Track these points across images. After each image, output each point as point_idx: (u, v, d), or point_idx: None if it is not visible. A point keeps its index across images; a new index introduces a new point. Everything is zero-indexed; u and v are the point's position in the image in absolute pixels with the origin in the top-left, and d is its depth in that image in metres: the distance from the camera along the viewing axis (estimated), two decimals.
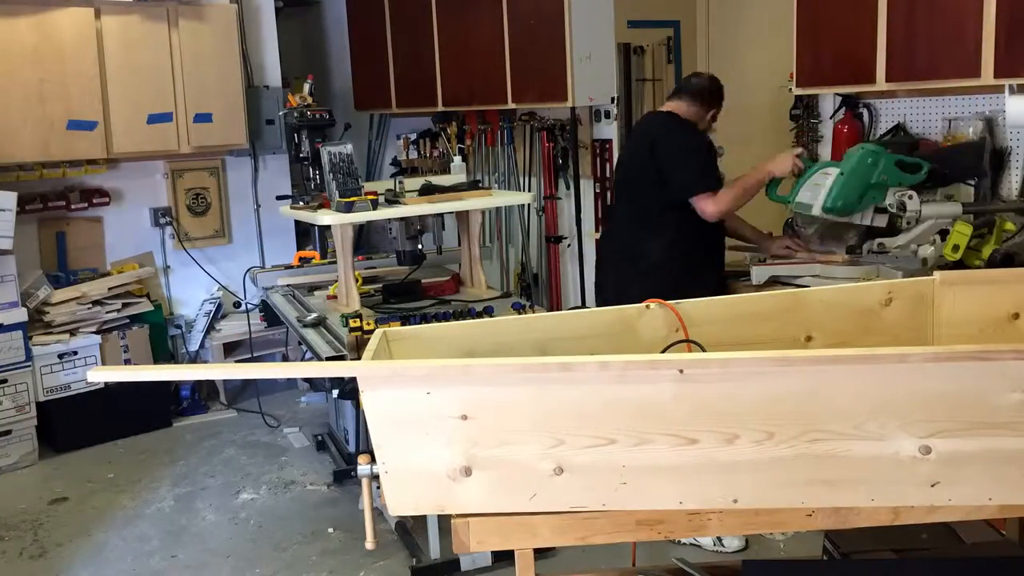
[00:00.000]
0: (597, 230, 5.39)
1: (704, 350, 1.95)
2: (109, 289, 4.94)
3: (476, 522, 1.66)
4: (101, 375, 1.61)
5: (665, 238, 3.42)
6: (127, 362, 4.92)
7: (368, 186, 3.75)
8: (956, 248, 3.20)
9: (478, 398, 1.59)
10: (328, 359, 3.18)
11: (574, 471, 1.60)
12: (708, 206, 3.31)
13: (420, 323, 3.23)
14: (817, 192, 3.25)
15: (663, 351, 1.98)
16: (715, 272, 3.55)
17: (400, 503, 1.67)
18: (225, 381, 5.43)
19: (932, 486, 1.61)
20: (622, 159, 3.83)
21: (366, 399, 1.60)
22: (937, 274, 2.23)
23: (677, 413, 1.57)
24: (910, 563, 2.14)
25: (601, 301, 3.65)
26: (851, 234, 3.41)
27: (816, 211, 3.25)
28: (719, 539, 3.32)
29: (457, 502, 1.65)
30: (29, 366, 4.57)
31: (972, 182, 3.53)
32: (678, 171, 3.37)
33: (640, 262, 3.45)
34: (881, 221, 3.30)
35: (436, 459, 1.61)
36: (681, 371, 1.55)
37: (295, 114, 4.29)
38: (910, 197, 3.21)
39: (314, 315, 3.63)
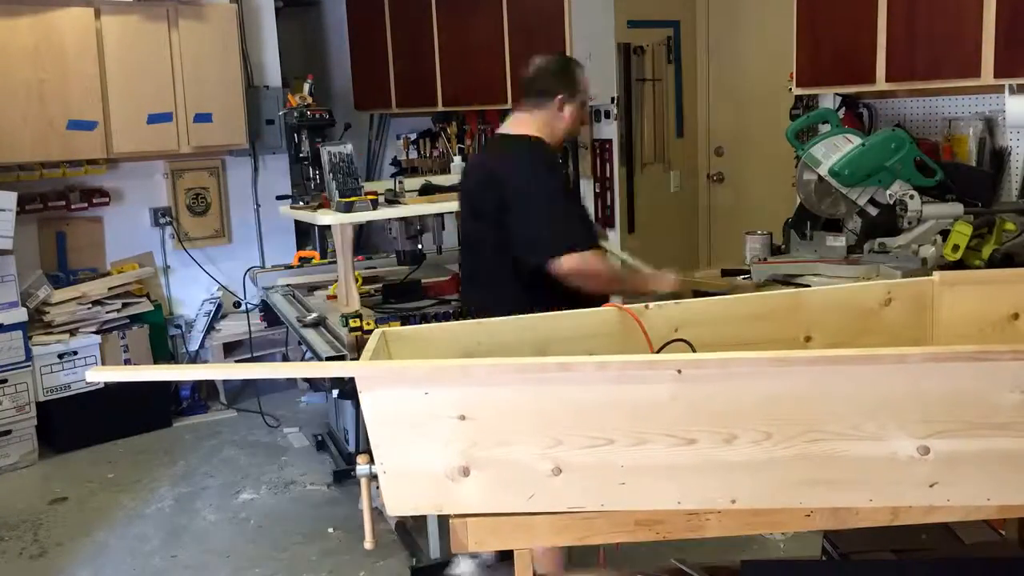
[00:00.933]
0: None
1: (694, 350, 1.94)
2: (109, 289, 4.94)
3: (474, 522, 1.66)
4: (100, 375, 1.61)
5: (520, 290, 2.74)
6: (127, 362, 4.92)
7: (368, 186, 3.76)
8: (956, 248, 3.20)
9: (476, 398, 1.59)
10: (328, 359, 3.17)
11: (572, 471, 1.60)
12: (563, 266, 2.63)
13: (420, 323, 3.23)
14: (831, 152, 3.26)
15: (657, 351, 1.98)
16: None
17: (398, 503, 1.67)
18: (225, 381, 5.43)
19: (931, 486, 1.61)
20: (464, 199, 3.07)
21: (364, 399, 1.60)
22: (936, 274, 2.23)
23: (675, 413, 1.57)
24: (909, 564, 2.14)
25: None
26: (838, 209, 3.39)
27: (823, 170, 3.26)
28: None
29: (455, 502, 1.65)
30: (29, 366, 4.57)
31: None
32: (534, 230, 2.68)
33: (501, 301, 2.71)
34: (872, 210, 3.30)
35: (434, 459, 1.61)
36: (679, 371, 1.55)
37: (295, 114, 4.30)
38: (911, 197, 3.21)
39: (314, 315, 3.63)
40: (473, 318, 2.49)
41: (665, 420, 1.57)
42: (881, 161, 3.21)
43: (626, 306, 2.06)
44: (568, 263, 2.62)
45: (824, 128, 3.53)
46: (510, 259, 2.72)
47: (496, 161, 2.88)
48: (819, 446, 1.58)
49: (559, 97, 2.78)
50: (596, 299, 2.47)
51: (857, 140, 3.27)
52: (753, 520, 1.67)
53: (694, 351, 1.94)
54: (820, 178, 3.29)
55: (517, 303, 2.39)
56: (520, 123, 2.84)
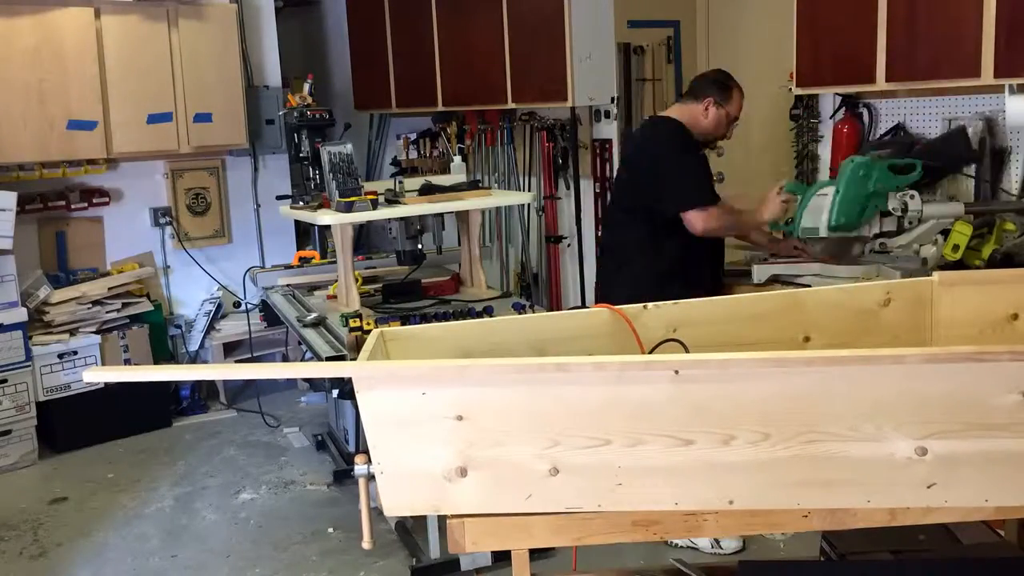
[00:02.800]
0: (597, 230, 5.39)
1: (688, 351, 1.94)
2: (109, 289, 4.94)
3: (471, 522, 1.66)
4: (98, 375, 1.61)
5: (651, 246, 3.34)
6: (127, 362, 4.92)
7: (368, 186, 3.75)
8: (956, 248, 3.20)
9: (473, 399, 1.59)
10: (328, 359, 3.17)
11: (569, 472, 1.60)
12: (698, 222, 3.21)
13: (420, 323, 3.22)
14: (819, 214, 3.23)
15: (651, 351, 1.97)
16: (704, 287, 3.27)
17: (396, 503, 1.67)
18: (225, 381, 5.43)
19: (928, 487, 1.61)
20: (622, 164, 3.77)
21: (361, 399, 1.60)
22: (936, 274, 2.22)
23: (672, 414, 1.57)
24: (907, 564, 2.14)
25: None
26: (858, 246, 3.39)
27: (823, 232, 3.24)
28: (716, 541, 3.31)
29: (452, 502, 1.65)
30: (29, 366, 4.57)
31: (972, 174, 3.52)
32: (671, 184, 3.26)
33: (623, 267, 3.41)
34: (890, 225, 3.28)
35: (431, 459, 1.61)
36: (676, 372, 1.55)
37: (295, 114, 4.29)
38: (912, 197, 3.21)
39: (314, 315, 3.63)
40: (606, 282, 3.53)
41: (662, 421, 1.57)
42: (863, 191, 3.18)
43: (617, 308, 2.05)
44: (698, 216, 3.21)
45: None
46: (649, 223, 3.32)
47: (641, 133, 3.69)
48: (817, 447, 1.58)
49: (708, 99, 3.37)
50: (706, 256, 3.36)
51: (830, 189, 3.23)
52: (751, 521, 1.67)
53: (687, 351, 1.93)
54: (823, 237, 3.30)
55: (652, 256, 3.30)
56: (672, 110, 3.49)
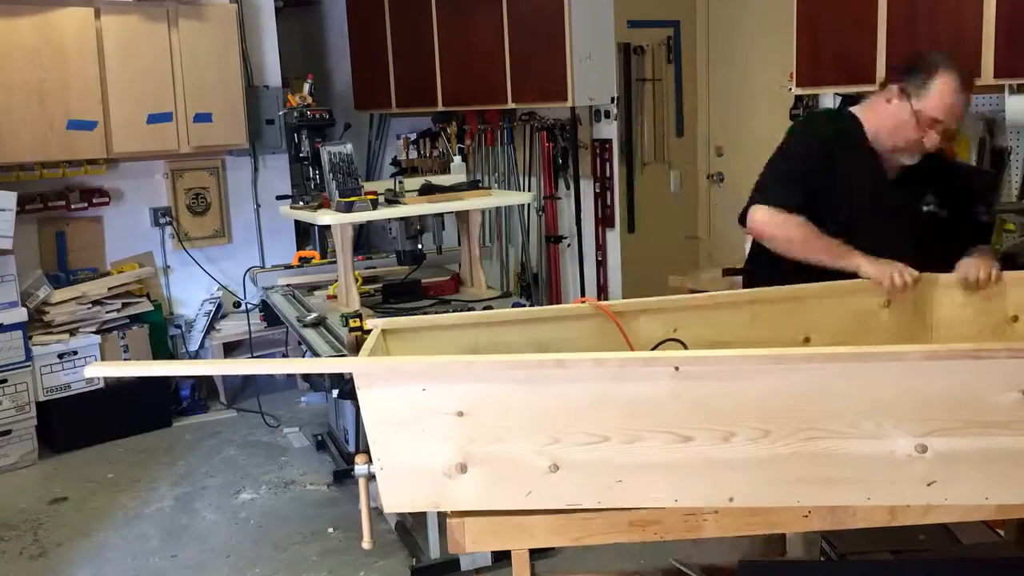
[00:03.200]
0: (597, 230, 5.40)
1: (687, 348, 1.94)
2: (109, 289, 4.94)
3: (471, 522, 1.66)
4: (99, 370, 1.61)
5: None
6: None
7: (368, 186, 3.75)
8: None
9: (474, 395, 1.59)
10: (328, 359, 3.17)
11: (569, 468, 1.60)
12: (755, 215, 2.47)
13: None
14: None
15: (652, 349, 1.97)
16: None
17: (396, 500, 1.67)
18: (225, 381, 5.42)
19: (928, 485, 1.61)
20: None
21: (362, 396, 1.60)
22: (938, 276, 2.22)
23: (672, 411, 1.57)
24: (907, 564, 2.14)
25: None
26: None
27: None
28: None
29: (452, 499, 1.65)
30: (29, 366, 4.56)
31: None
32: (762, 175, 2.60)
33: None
34: None
35: (432, 456, 1.62)
36: (676, 368, 1.55)
37: (295, 114, 4.29)
38: None
39: (314, 315, 3.63)
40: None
41: (662, 418, 1.57)
42: None
43: (603, 304, 2.05)
44: (756, 216, 2.45)
45: None
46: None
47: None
48: (817, 444, 1.58)
49: (895, 86, 2.39)
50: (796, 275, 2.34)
51: None
52: (751, 520, 1.67)
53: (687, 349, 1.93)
54: None
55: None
56: (867, 102, 2.57)
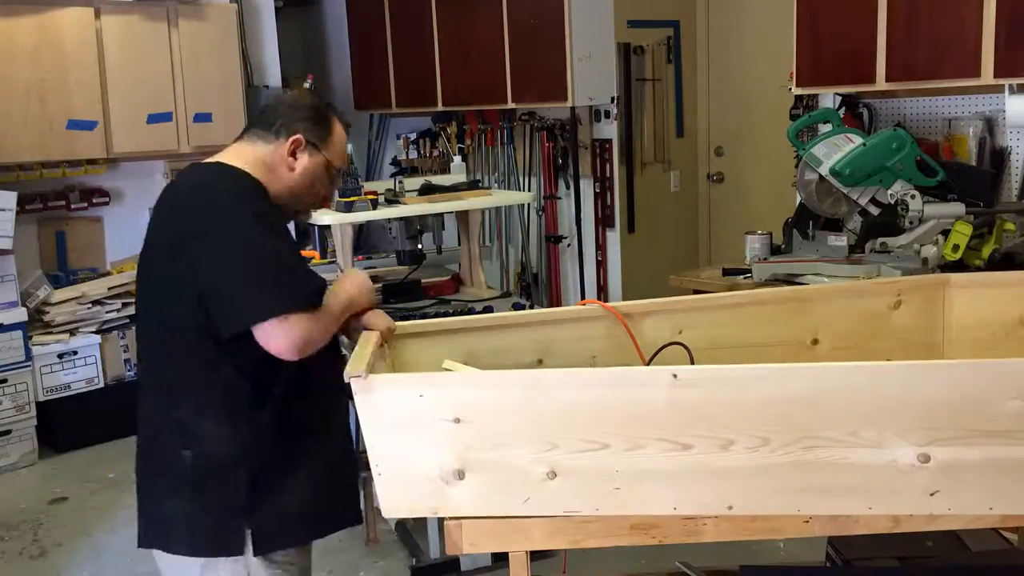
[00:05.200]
0: (597, 230, 5.39)
1: (691, 354, 1.93)
2: (109, 289, 4.93)
3: (469, 524, 1.66)
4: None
5: (231, 408, 1.84)
6: (127, 362, 4.92)
7: (368, 186, 3.75)
8: (956, 248, 3.19)
9: (471, 401, 1.59)
10: None
11: (567, 475, 1.60)
12: (279, 337, 1.74)
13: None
14: (832, 152, 3.24)
15: (655, 354, 1.97)
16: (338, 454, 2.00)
17: (394, 505, 1.67)
18: None
19: (931, 495, 1.59)
20: (146, 249, 1.95)
21: (359, 401, 1.60)
22: (948, 276, 2.21)
23: (671, 418, 1.56)
24: (913, 571, 2.13)
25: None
26: (840, 209, 3.37)
27: (823, 169, 3.24)
28: None
29: (450, 505, 1.64)
30: (29, 366, 4.56)
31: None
32: (229, 287, 1.77)
33: (181, 452, 1.87)
34: (873, 210, 3.29)
35: (429, 462, 1.61)
36: (675, 376, 1.55)
37: None
38: (912, 196, 3.20)
39: None
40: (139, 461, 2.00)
41: (660, 425, 1.56)
42: (882, 161, 3.20)
43: (611, 306, 2.04)
44: (282, 328, 1.73)
45: (825, 128, 3.52)
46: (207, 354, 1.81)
47: (177, 198, 1.93)
48: (817, 453, 1.57)
49: (295, 138, 1.93)
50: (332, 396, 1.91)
51: (858, 140, 3.25)
52: (751, 526, 1.65)
53: (691, 354, 1.93)
54: (821, 178, 3.28)
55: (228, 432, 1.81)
56: (230, 153, 1.95)
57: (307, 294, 1.81)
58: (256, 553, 1.85)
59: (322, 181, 1.99)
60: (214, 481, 1.83)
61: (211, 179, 1.90)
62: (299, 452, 1.88)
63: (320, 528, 1.99)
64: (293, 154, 1.94)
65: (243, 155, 1.94)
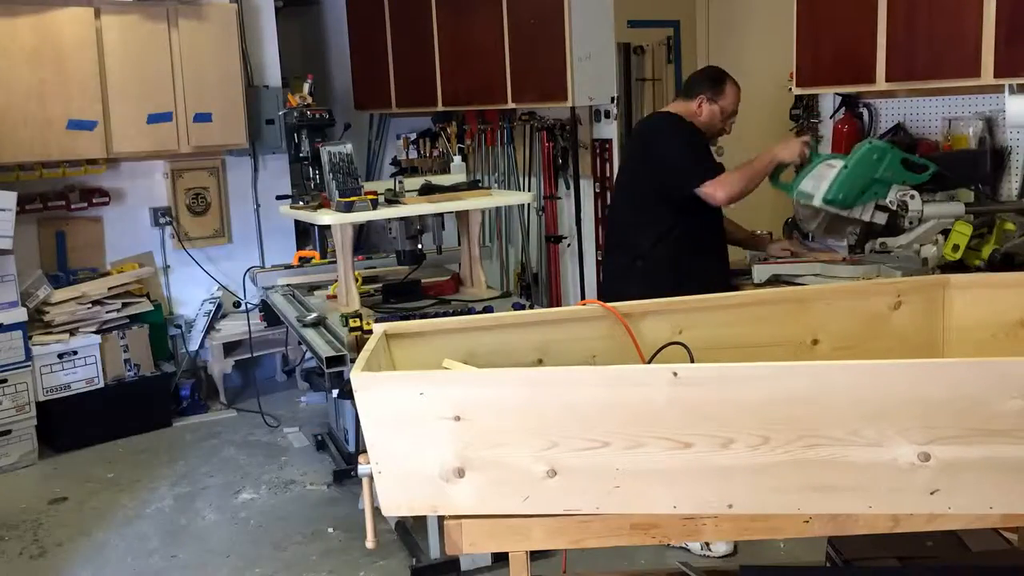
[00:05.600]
0: (597, 230, 5.39)
1: (691, 353, 1.93)
2: (109, 289, 4.94)
3: (469, 524, 1.66)
4: None
5: (664, 237, 3.31)
6: (127, 362, 4.92)
7: (368, 186, 3.75)
8: (956, 248, 3.19)
9: (471, 399, 1.59)
10: (328, 359, 3.17)
11: (567, 474, 1.60)
12: (716, 191, 3.16)
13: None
14: (820, 183, 3.23)
15: (655, 353, 1.97)
16: (719, 276, 3.39)
17: (394, 503, 1.67)
18: (224, 381, 5.42)
19: (932, 494, 1.59)
20: (622, 164, 3.79)
21: (359, 399, 1.60)
22: (948, 277, 2.21)
23: (671, 417, 1.56)
24: (913, 571, 2.12)
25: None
26: (851, 228, 3.38)
27: (817, 202, 3.23)
28: (706, 543, 3.28)
29: (450, 503, 1.64)
30: (29, 366, 4.56)
31: (973, 188, 3.52)
32: (674, 165, 3.25)
33: (638, 261, 3.34)
34: (880, 219, 3.28)
35: (429, 460, 1.61)
36: (675, 374, 1.55)
37: (295, 114, 4.29)
38: (912, 197, 3.20)
39: (314, 315, 3.63)
40: (609, 281, 3.56)
41: (661, 423, 1.56)
42: (869, 175, 3.18)
43: (612, 306, 2.04)
44: (716, 185, 3.17)
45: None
46: (661, 206, 3.30)
47: (640, 127, 3.72)
48: (817, 451, 1.56)
49: (700, 96, 3.35)
50: (716, 245, 3.42)
51: (839, 163, 3.22)
52: (751, 525, 1.65)
53: (691, 354, 1.92)
54: (818, 210, 3.28)
55: (664, 246, 3.27)
56: (670, 107, 3.49)
57: (714, 168, 3.25)
58: None
59: (720, 119, 3.39)
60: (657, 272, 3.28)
61: (658, 118, 3.51)
62: (695, 262, 3.30)
63: None
64: (699, 106, 3.36)
65: (676, 107, 3.43)
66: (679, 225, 3.30)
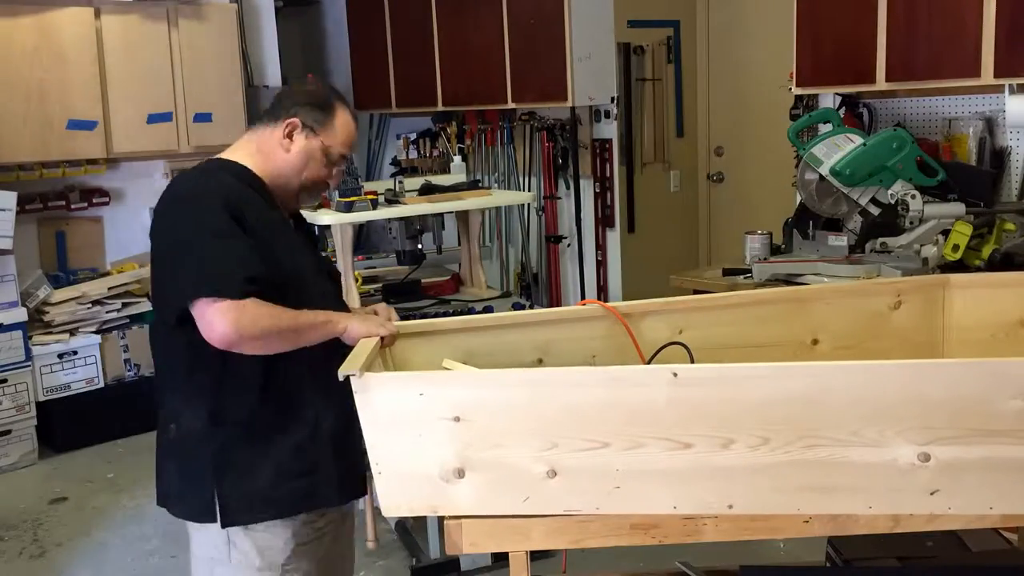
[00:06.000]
0: (597, 230, 5.39)
1: (691, 353, 1.93)
2: (109, 289, 4.93)
3: (469, 524, 1.66)
4: None
5: (197, 389, 1.93)
6: (127, 362, 4.92)
7: (368, 186, 3.75)
8: (956, 248, 3.20)
9: (471, 400, 1.59)
10: None
11: (567, 474, 1.60)
12: (217, 320, 1.77)
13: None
14: (832, 152, 3.24)
15: (655, 353, 1.97)
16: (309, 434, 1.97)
17: (393, 504, 1.67)
18: None
19: (932, 494, 1.59)
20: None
21: (359, 400, 1.60)
22: (948, 277, 2.21)
23: (671, 417, 1.56)
24: (913, 571, 2.12)
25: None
26: (844, 206, 3.37)
27: (824, 169, 3.24)
28: None
29: (450, 503, 1.64)
30: (29, 366, 4.56)
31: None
32: (174, 267, 1.88)
33: (172, 426, 1.99)
34: (874, 209, 3.29)
35: (429, 460, 1.61)
36: (675, 374, 1.55)
37: None
38: (913, 196, 3.21)
39: None
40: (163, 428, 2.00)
41: (661, 424, 1.56)
42: (883, 161, 3.20)
43: (612, 306, 2.04)
44: (219, 310, 1.77)
45: (825, 128, 3.52)
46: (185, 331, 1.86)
47: (165, 196, 1.98)
48: (817, 452, 1.56)
49: (291, 122, 2.00)
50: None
51: (858, 140, 3.26)
52: (751, 525, 1.65)
53: (691, 354, 1.92)
54: (821, 178, 3.28)
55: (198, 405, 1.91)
56: (239, 146, 2.06)
57: (244, 277, 1.80)
58: (224, 525, 1.92)
59: (317, 164, 2.03)
60: (189, 452, 1.95)
61: (179, 181, 2.01)
62: (267, 429, 1.93)
63: (291, 507, 1.95)
64: (290, 136, 2.01)
65: (242, 146, 2.06)
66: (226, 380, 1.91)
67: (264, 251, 1.88)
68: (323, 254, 2.19)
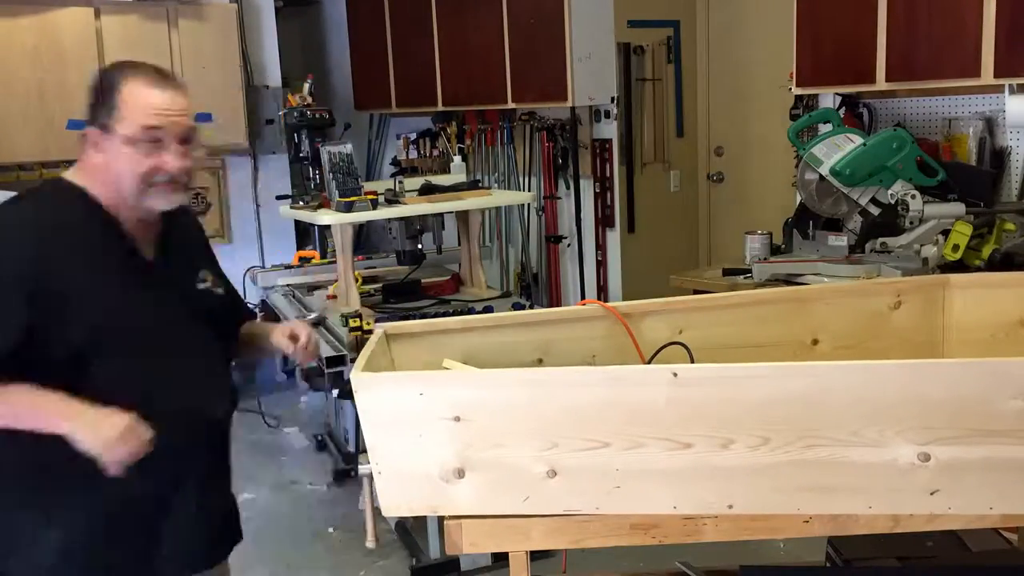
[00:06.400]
0: (597, 230, 5.39)
1: (691, 353, 1.93)
2: None
3: (469, 524, 1.66)
4: None
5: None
6: None
7: (368, 186, 3.76)
8: (956, 248, 3.20)
9: (471, 400, 1.59)
10: (328, 359, 3.18)
11: (567, 474, 1.60)
12: None
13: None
14: (832, 152, 3.25)
15: (655, 353, 1.97)
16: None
17: (393, 504, 1.67)
18: None
19: (932, 494, 1.59)
20: None
21: (359, 399, 1.60)
22: (948, 277, 2.21)
23: (671, 417, 1.56)
24: (913, 571, 2.12)
25: None
26: (844, 205, 3.38)
27: (824, 169, 3.25)
28: None
29: (450, 503, 1.64)
30: None
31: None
32: None
33: None
34: (874, 209, 3.30)
35: (429, 460, 1.61)
36: (675, 374, 1.55)
37: (295, 114, 4.30)
38: (913, 196, 3.21)
39: (314, 315, 3.63)
40: None
41: (661, 424, 1.56)
42: (883, 161, 3.20)
43: (612, 306, 2.04)
44: None
45: (825, 128, 3.52)
46: None
47: None
48: (817, 452, 1.56)
49: (90, 130, 1.77)
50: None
51: (859, 139, 3.26)
52: (751, 525, 1.65)
53: (691, 354, 1.92)
54: (821, 178, 3.28)
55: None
56: (80, 168, 1.83)
57: None
58: None
59: (136, 158, 1.73)
60: None
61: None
62: (48, 503, 1.74)
63: None
64: (96, 147, 1.76)
65: (80, 161, 1.82)
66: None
67: (57, 307, 1.66)
68: (205, 288, 1.96)
